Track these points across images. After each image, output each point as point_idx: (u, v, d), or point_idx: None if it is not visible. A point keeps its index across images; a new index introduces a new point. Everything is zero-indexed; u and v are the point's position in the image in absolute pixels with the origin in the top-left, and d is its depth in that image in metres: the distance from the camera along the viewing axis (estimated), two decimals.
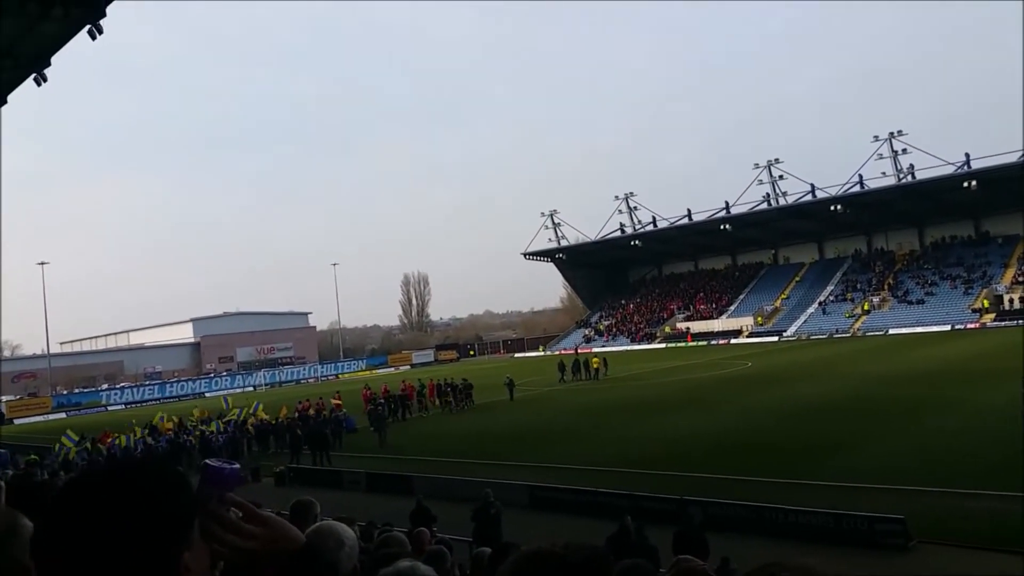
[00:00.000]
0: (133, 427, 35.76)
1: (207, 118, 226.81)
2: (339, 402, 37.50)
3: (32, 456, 30.48)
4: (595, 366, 48.58)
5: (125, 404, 74.38)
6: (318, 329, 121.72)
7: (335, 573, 2.86)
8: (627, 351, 72.52)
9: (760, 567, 0.88)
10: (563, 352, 75.94)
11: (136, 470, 1.30)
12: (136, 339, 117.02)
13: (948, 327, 60.14)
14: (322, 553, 2.87)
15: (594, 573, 1.41)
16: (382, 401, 35.60)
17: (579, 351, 73.38)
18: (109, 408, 72.44)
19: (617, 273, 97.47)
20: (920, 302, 66.94)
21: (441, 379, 41.99)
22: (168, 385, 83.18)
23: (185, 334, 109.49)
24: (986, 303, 61.67)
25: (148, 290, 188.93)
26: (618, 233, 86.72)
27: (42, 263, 76.92)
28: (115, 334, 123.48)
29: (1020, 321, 56.25)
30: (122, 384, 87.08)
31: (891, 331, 62.99)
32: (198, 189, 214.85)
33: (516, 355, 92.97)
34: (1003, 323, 57.68)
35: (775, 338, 69.59)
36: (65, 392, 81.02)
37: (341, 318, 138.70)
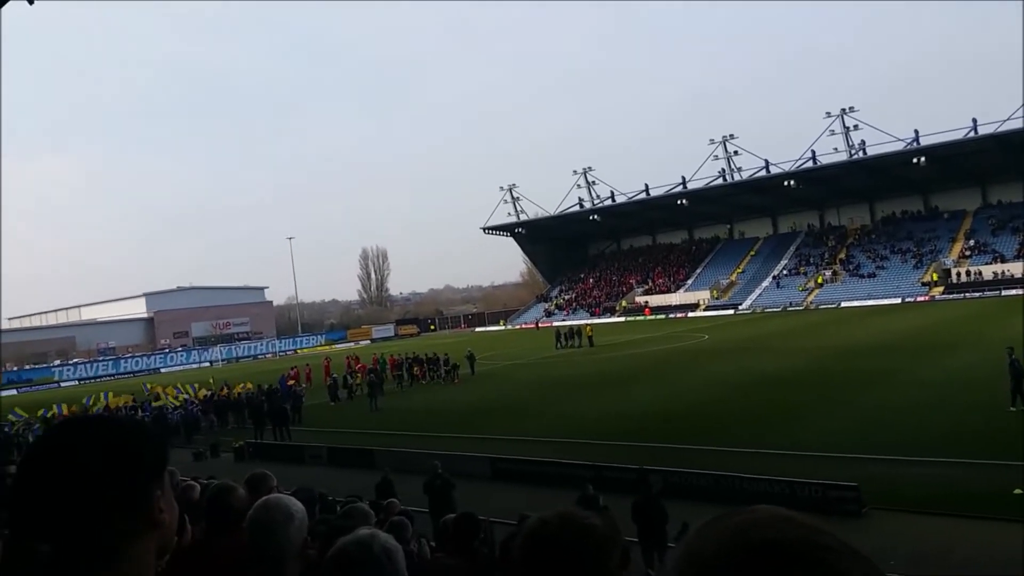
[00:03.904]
0: (89, 406, 35.11)
1: (153, 89, 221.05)
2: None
3: None
4: (588, 333, 52.22)
5: (79, 380, 72.94)
6: (275, 304, 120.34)
7: (284, 546, 2.82)
8: (587, 325, 72.99)
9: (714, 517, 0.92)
10: (531, 325, 76.65)
11: (108, 419, 1.36)
12: (88, 314, 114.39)
13: (899, 300, 61.58)
14: (270, 527, 2.83)
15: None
16: (375, 370, 37.24)
17: (540, 325, 74.03)
18: (62, 384, 70.94)
19: (576, 247, 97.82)
20: (871, 276, 68.40)
21: (402, 354, 42.05)
22: (123, 361, 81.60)
23: (138, 309, 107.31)
24: (935, 276, 63.22)
25: (99, 265, 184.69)
26: (577, 208, 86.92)
27: None
28: (66, 309, 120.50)
29: (966, 294, 57.93)
30: (75, 360, 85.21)
31: (843, 304, 64.29)
32: (145, 163, 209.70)
33: (477, 329, 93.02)
34: (951, 296, 59.32)
35: (731, 311, 70.62)
36: (15, 368, 79.01)
37: (299, 293, 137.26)
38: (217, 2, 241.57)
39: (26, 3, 16.73)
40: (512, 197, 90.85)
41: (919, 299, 60.88)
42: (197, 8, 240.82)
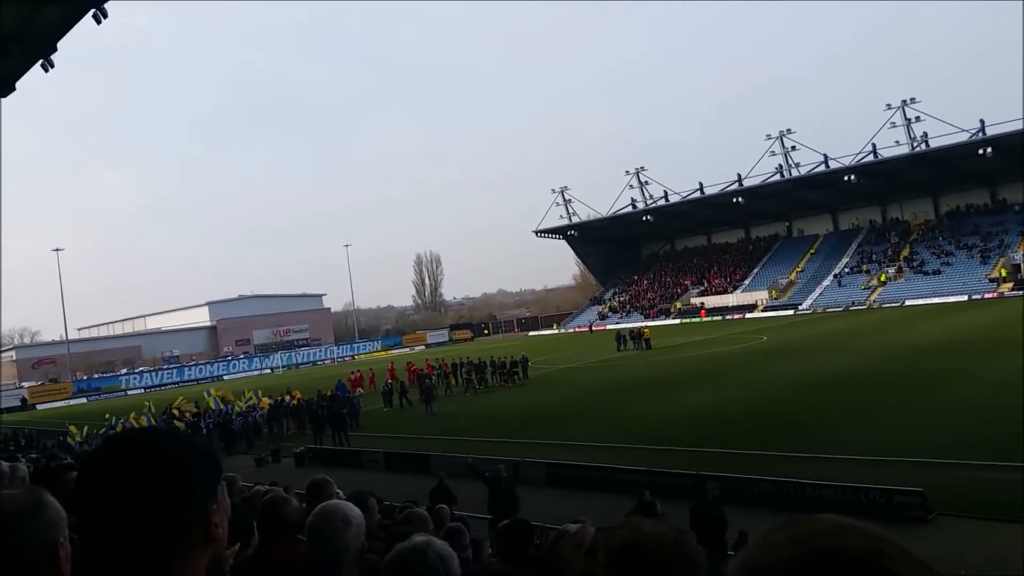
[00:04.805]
0: (151, 412, 36.29)
1: (212, 103, 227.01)
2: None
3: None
4: (647, 335, 52.19)
5: (144, 388, 75.18)
6: (332, 311, 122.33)
7: (341, 552, 2.88)
8: (645, 327, 72.41)
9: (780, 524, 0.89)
10: (584, 328, 76.54)
11: (159, 434, 1.41)
12: (153, 323, 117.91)
13: (965, 297, 59.63)
14: (328, 533, 2.89)
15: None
16: (430, 376, 37.46)
17: (594, 328, 73.74)
18: (129, 393, 73.22)
19: (629, 249, 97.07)
20: (936, 272, 66.36)
21: (458, 358, 42.28)
22: (187, 369, 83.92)
23: (201, 318, 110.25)
24: (1003, 272, 61.04)
25: (162, 275, 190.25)
26: (629, 209, 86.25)
27: (57, 249, 77.61)
28: (132, 319, 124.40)
29: None
30: (141, 368, 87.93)
31: (908, 302, 62.50)
32: (203, 173, 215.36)
33: (530, 333, 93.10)
34: (1021, 292, 57.06)
35: (790, 312, 69.25)
36: (85, 377, 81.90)
37: (355, 299, 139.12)
38: (281, 19, 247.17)
39: (93, 22, 17.41)
40: (564, 199, 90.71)
41: (987, 296, 58.86)
42: (261, 25, 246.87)
